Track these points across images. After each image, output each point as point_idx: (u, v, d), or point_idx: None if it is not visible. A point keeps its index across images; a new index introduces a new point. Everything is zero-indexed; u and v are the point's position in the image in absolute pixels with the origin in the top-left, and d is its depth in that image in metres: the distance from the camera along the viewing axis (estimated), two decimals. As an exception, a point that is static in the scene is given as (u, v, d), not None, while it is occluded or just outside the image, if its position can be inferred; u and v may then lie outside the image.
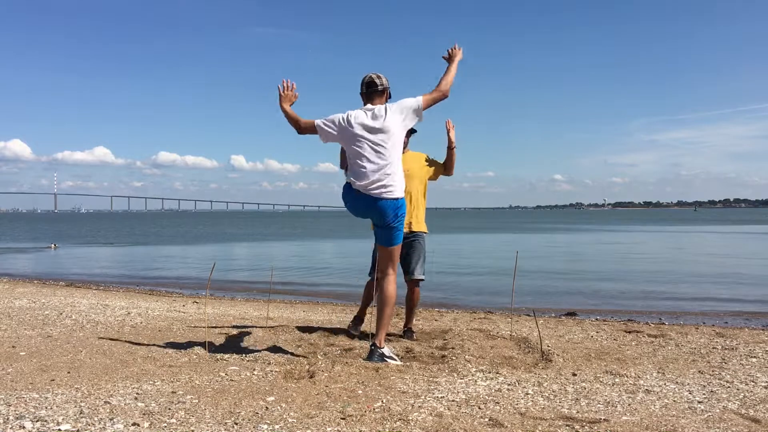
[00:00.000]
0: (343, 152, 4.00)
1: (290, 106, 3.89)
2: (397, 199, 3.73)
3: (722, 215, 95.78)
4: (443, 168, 4.72)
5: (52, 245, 24.22)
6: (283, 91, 3.88)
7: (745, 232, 34.21)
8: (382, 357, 3.72)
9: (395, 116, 3.73)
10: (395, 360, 3.77)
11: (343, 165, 4.00)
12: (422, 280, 4.66)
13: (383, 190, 3.69)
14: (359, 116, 3.76)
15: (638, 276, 12.38)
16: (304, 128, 3.87)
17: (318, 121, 3.84)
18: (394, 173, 3.71)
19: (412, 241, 4.58)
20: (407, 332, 4.81)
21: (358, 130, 3.72)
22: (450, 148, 4.65)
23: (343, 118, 3.79)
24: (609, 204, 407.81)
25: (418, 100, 3.75)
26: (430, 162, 4.71)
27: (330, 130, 3.81)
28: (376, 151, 3.69)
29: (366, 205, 3.75)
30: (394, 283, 3.88)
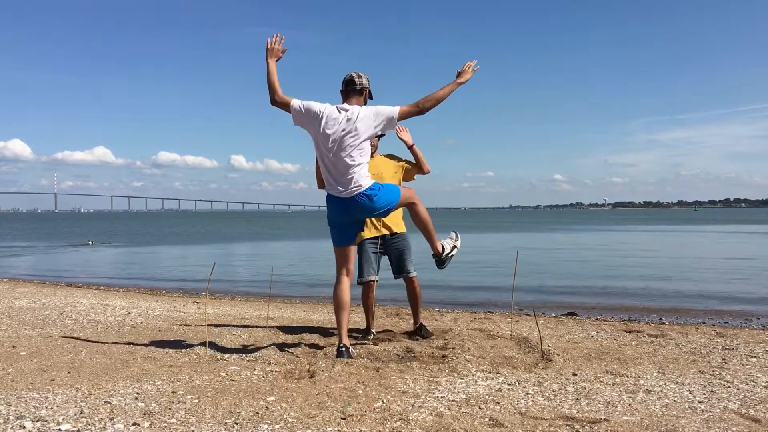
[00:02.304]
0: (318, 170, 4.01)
1: (276, 61, 3.81)
2: (369, 186, 3.70)
3: (722, 215, 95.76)
4: (416, 168, 4.67)
5: (90, 242, 27.25)
6: (270, 45, 3.81)
7: (745, 232, 34.21)
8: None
9: (367, 121, 3.69)
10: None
11: (321, 185, 4.01)
12: (415, 275, 4.68)
13: (353, 187, 3.68)
14: (332, 113, 3.72)
15: (638, 276, 12.37)
16: (279, 102, 3.79)
17: (295, 103, 3.77)
18: (359, 171, 3.68)
19: (396, 242, 4.65)
20: (421, 329, 4.77)
21: (329, 128, 3.69)
22: (410, 148, 4.56)
23: (319, 110, 3.74)
24: (609, 204, 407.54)
25: (394, 111, 3.69)
26: (402, 164, 4.68)
27: (304, 116, 3.76)
28: (343, 150, 3.66)
29: (345, 205, 3.74)
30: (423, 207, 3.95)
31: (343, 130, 3.67)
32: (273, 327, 5.26)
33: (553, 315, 7.16)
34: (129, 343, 4.40)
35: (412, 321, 5.03)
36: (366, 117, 3.70)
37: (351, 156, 3.66)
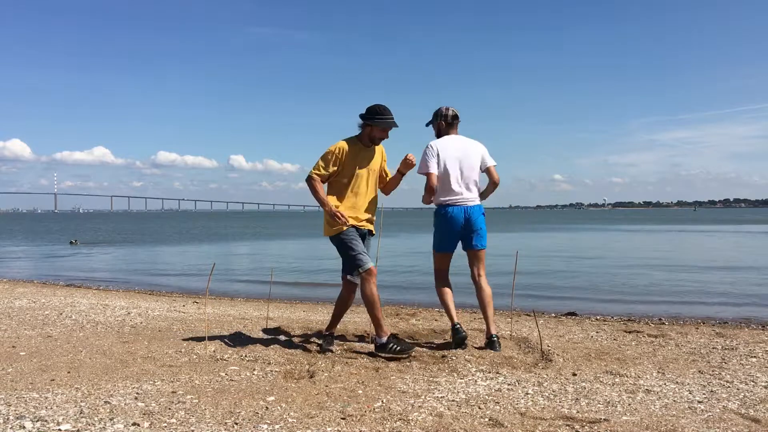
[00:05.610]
0: (428, 189, 4.33)
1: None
2: (481, 205, 4.43)
3: (722, 215, 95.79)
4: (383, 183, 4.36)
5: (75, 241, 27.79)
6: None
7: (745, 232, 34.22)
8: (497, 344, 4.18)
9: (478, 155, 4.40)
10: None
11: (427, 200, 4.39)
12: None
13: (473, 198, 4.33)
14: (448, 146, 4.35)
15: (638, 276, 12.37)
16: (431, 194, 4.38)
17: (434, 173, 4.32)
18: (474, 188, 4.38)
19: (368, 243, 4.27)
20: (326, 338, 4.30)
21: (451, 157, 4.30)
22: (400, 172, 4.30)
23: (438, 159, 4.30)
24: (609, 204, 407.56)
25: (491, 168, 4.45)
26: (382, 168, 4.35)
27: (436, 169, 4.31)
28: (462, 171, 4.31)
29: (463, 214, 4.27)
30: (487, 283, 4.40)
31: (464, 153, 4.34)
32: (273, 327, 5.26)
33: (553, 315, 7.16)
34: (129, 343, 4.40)
35: (411, 321, 5.03)
36: (477, 152, 4.40)
37: (472, 170, 4.35)
